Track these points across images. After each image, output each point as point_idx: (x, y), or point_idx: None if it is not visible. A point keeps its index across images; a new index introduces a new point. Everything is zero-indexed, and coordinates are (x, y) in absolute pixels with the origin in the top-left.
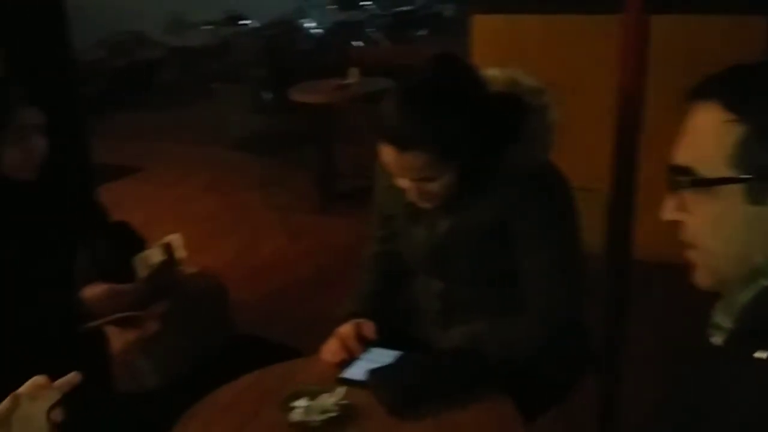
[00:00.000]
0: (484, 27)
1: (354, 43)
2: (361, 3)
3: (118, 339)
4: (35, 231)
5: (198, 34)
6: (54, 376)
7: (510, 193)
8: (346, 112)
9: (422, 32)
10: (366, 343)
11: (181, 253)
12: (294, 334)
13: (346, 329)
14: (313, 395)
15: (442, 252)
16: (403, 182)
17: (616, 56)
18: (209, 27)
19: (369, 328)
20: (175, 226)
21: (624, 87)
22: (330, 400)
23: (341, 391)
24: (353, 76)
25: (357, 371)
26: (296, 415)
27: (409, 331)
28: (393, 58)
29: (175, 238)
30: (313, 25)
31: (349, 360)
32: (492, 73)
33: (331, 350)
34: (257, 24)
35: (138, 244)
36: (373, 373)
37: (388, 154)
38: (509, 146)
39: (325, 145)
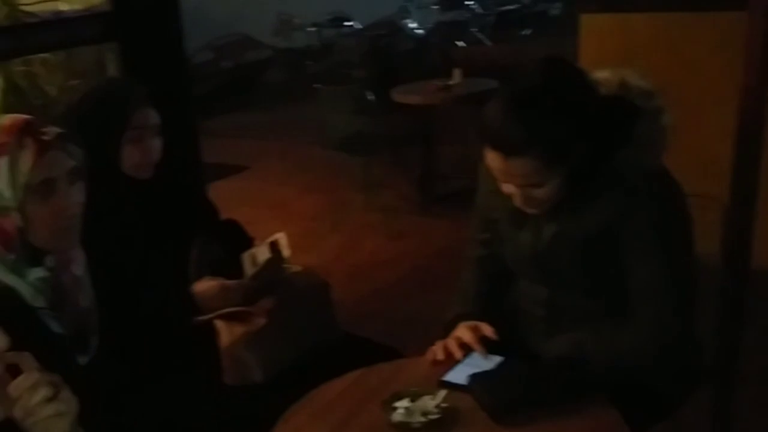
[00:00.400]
0: (593, 26)
1: (457, 44)
2: (465, 2)
3: (226, 333)
4: (152, 227)
5: (303, 36)
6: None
7: (619, 199)
8: (449, 113)
9: (527, 32)
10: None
11: (286, 251)
12: (393, 335)
13: (464, 331)
14: (414, 397)
15: (547, 258)
16: (508, 188)
17: (732, 56)
18: (314, 29)
19: (488, 329)
20: (278, 224)
21: (749, 88)
22: (431, 402)
23: (443, 394)
24: (456, 77)
25: (459, 375)
26: (398, 416)
27: (510, 336)
28: (497, 59)
29: (281, 237)
30: (416, 25)
31: (450, 363)
32: (602, 75)
33: (448, 350)
34: (360, 25)
35: (246, 241)
36: (476, 377)
37: (493, 159)
38: (619, 151)
39: (427, 146)
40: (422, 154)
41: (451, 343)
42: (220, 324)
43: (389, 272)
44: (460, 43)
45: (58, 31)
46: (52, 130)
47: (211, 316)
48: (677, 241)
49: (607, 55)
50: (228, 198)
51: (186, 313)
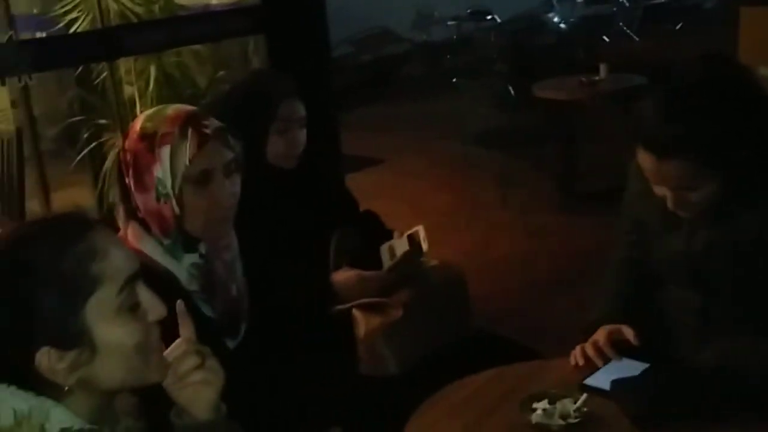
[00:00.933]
0: (753, 20)
1: (603, 39)
2: None
3: (363, 324)
4: (294, 217)
5: (442, 30)
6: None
7: None
8: (593, 109)
9: (677, 26)
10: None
11: (425, 244)
12: (528, 335)
13: (603, 335)
14: (553, 399)
15: (700, 263)
16: (661, 190)
17: None
18: (454, 22)
19: (630, 333)
20: (412, 218)
21: None
22: (572, 405)
23: (584, 398)
24: (602, 72)
25: (601, 379)
26: (536, 417)
27: (653, 342)
28: (645, 54)
29: (419, 230)
30: (558, 19)
31: (591, 367)
32: (765, 72)
33: (587, 354)
34: (500, 19)
35: (384, 233)
36: (619, 383)
37: (645, 160)
38: None
39: (568, 143)
40: (563, 151)
41: (590, 349)
42: (357, 314)
43: (525, 271)
44: (605, 38)
45: (210, 24)
46: (213, 123)
47: (348, 305)
48: None
49: None
50: (363, 190)
51: (325, 302)
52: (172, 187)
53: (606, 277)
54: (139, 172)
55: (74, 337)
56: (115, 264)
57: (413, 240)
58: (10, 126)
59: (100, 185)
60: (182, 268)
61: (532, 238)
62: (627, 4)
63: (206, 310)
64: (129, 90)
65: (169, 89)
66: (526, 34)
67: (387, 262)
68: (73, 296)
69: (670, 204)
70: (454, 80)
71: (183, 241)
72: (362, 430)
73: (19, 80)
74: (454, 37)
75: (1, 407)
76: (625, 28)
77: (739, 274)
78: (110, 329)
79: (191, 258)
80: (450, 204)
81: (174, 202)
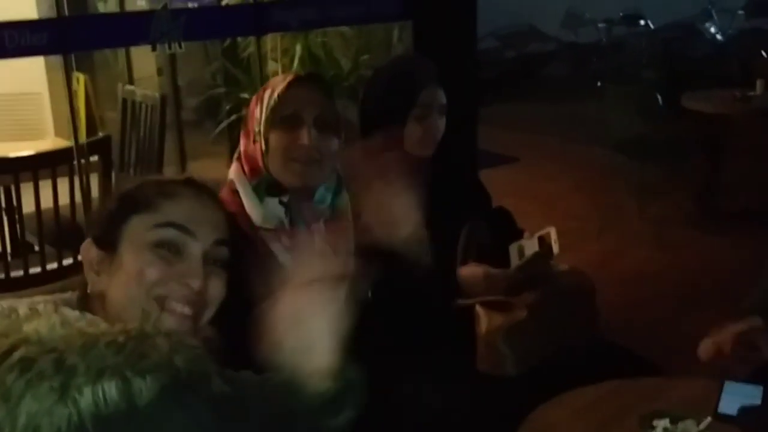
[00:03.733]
0: None
1: (763, 54)
2: None
3: (485, 321)
4: (426, 205)
5: (593, 31)
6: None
7: None
8: (744, 125)
9: None
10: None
11: (555, 247)
12: (651, 351)
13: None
14: (675, 419)
15: None
16: None
17: None
18: (604, 25)
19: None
20: (542, 220)
21: None
22: (695, 428)
23: (708, 421)
24: (759, 88)
25: (729, 405)
26: None
27: None
28: None
29: (551, 232)
30: (716, 30)
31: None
32: None
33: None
34: (654, 25)
35: (515, 232)
36: (751, 411)
37: None
38: None
39: (714, 158)
40: (707, 167)
41: (725, 338)
42: (480, 310)
43: (654, 284)
44: (764, 54)
45: (360, 6)
46: (312, 72)
47: (472, 301)
48: None
49: None
50: (495, 187)
51: (449, 294)
52: (264, 124)
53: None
54: (247, 118)
55: (107, 241)
56: (184, 209)
57: (544, 242)
58: (155, 92)
59: None
60: (261, 207)
61: (667, 252)
62: None
63: (279, 252)
64: (273, 66)
65: (312, 68)
66: (680, 43)
67: (515, 261)
68: (124, 207)
69: None
70: (599, 84)
71: (267, 182)
72: (474, 427)
73: (169, 47)
74: (603, 39)
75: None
76: None
77: None
78: (132, 256)
79: (272, 201)
80: (583, 209)
81: (262, 140)
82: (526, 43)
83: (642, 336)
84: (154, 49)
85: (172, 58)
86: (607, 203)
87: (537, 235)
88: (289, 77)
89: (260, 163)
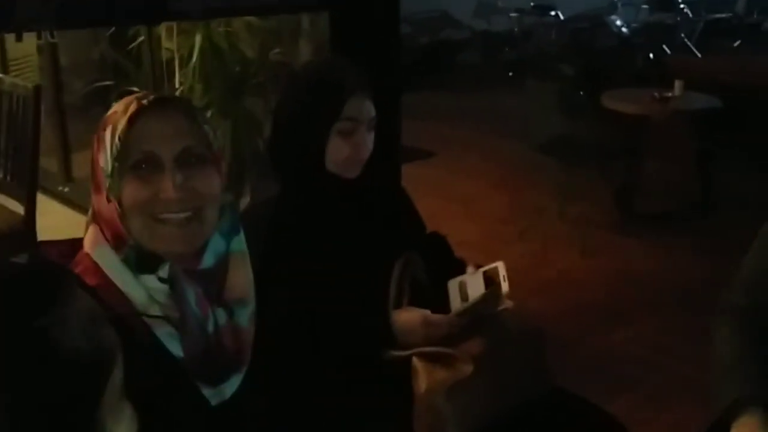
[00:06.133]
0: None
1: (664, 49)
2: (677, 4)
3: (424, 377)
4: (352, 237)
5: (504, 20)
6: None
7: None
8: (663, 126)
9: (736, 44)
10: None
11: (504, 285)
12: (576, 371)
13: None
14: None
15: None
16: None
17: None
18: (516, 14)
19: None
20: (463, 222)
21: None
22: None
23: None
24: (678, 90)
25: None
26: None
27: None
28: (715, 72)
29: (498, 267)
30: (621, 23)
31: None
32: None
33: None
34: (564, 16)
35: (453, 263)
36: None
37: None
38: None
39: (633, 159)
40: (627, 167)
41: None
42: (418, 364)
43: (580, 294)
44: (666, 49)
45: None
46: (159, 96)
47: (409, 352)
48: None
49: None
50: (411, 185)
51: (381, 345)
52: (111, 176)
53: (724, 333)
54: (93, 167)
55: None
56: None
57: (490, 279)
58: (34, 75)
59: None
60: (140, 286)
61: (589, 257)
62: (690, 15)
63: (173, 347)
64: (167, 55)
65: (215, 62)
66: (587, 34)
67: (456, 301)
68: None
69: None
70: (510, 74)
71: (136, 253)
72: None
73: (39, 37)
74: (516, 29)
75: None
76: (685, 39)
77: None
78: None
79: (149, 279)
80: (503, 210)
81: (113, 197)
82: (439, 30)
83: (564, 354)
84: (19, 38)
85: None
86: (528, 204)
87: (481, 270)
88: (131, 107)
89: (121, 229)
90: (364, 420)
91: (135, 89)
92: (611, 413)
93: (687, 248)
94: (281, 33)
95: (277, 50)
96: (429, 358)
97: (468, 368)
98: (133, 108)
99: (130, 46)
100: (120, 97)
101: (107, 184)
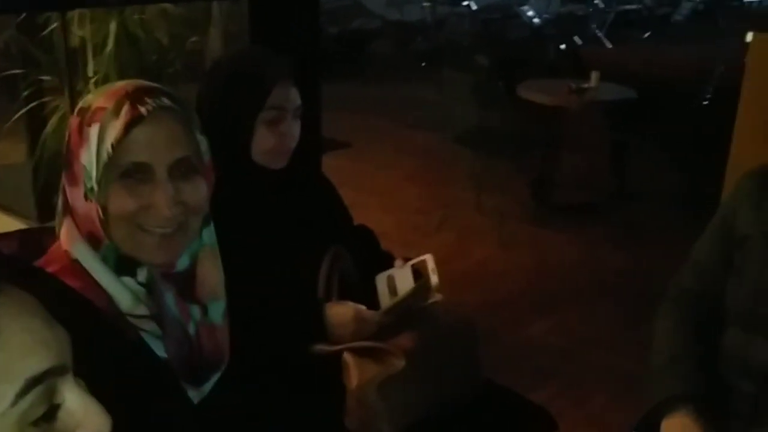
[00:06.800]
0: (765, 47)
1: (575, 39)
2: None
3: (356, 372)
4: (281, 229)
5: (416, 10)
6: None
7: None
8: (578, 117)
9: (646, 35)
10: None
11: (434, 278)
12: (500, 366)
13: None
14: None
15: None
16: None
17: None
18: (428, 4)
19: None
20: (381, 213)
21: None
22: None
23: None
24: (593, 81)
25: None
26: None
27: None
28: (626, 63)
29: (427, 260)
30: (533, 14)
31: None
32: None
33: None
34: (476, 6)
35: (381, 257)
36: None
37: None
38: None
39: (549, 150)
40: (543, 159)
41: None
42: (349, 359)
43: (500, 286)
44: (578, 40)
45: None
46: (161, 101)
47: (341, 347)
48: None
49: None
50: (327, 176)
51: (311, 340)
52: (98, 181)
53: (665, 323)
54: (69, 157)
55: None
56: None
57: (419, 272)
58: None
59: (37, 155)
60: (124, 287)
61: (507, 249)
62: (601, 6)
63: (157, 348)
64: (80, 43)
65: (130, 51)
66: (499, 25)
67: (385, 295)
68: None
69: None
70: (423, 64)
71: (115, 255)
72: None
73: None
74: (428, 19)
75: None
76: (597, 31)
77: None
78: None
79: (129, 282)
80: (421, 202)
81: (96, 201)
82: (351, 19)
83: (486, 346)
84: None
85: None
86: (446, 195)
87: (410, 264)
88: (125, 111)
89: (100, 230)
90: (295, 416)
91: (47, 77)
92: (540, 404)
93: (603, 238)
94: (198, 21)
95: (194, 39)
96: (360, 353)
97: (400, 363)
98: (128, 114)
99: (42, 33)
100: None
101: (89, 186)
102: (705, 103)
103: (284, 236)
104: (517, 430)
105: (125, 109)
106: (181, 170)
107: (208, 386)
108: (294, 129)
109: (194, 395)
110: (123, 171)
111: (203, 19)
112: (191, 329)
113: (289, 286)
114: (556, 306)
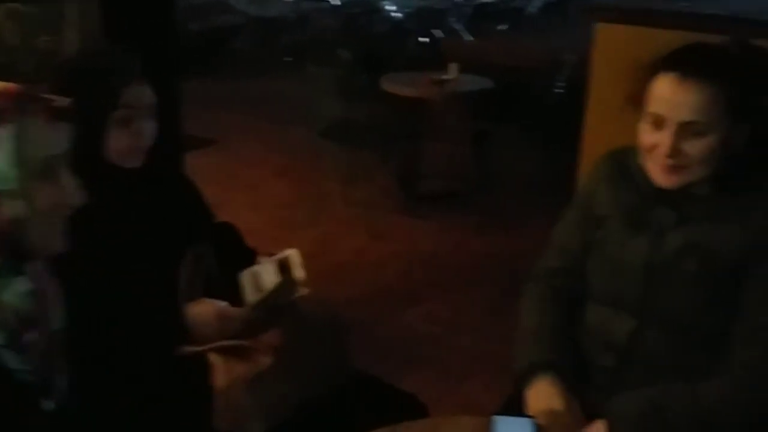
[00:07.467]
0: (608, 37)
1: (434, 33)
2: None
3: (223, 371)
4: (139, 230)
5: (279, 6)
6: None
7: (765, 222)
8: (440, 109)
9: (502, 27)
10: None
11: (299, 272)
12: (375, 356)
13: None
14: None
15: (662, 275)
16: (657, 136)
17: None
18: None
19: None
20: (249, 210)
21: None
22: None
23: None
24: (452, 72)
25: None
26: None
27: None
28: (484, 54)
29: (292, 254)
30: (394, 8)
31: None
32: None
33: None
34: (339, 1)
35: (246, 254)
36: None
37: (663, 86)
38: None
39: (413, 141)
40: (407, 150)
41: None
42: (215, 359)
43: (373, 276)
44: (439, 33)
45: None
46: (61, 99)
47: (205, 347)
48: None
49: (623, 67)
50: (192, 174)
51: (175, 341)
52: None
53: (529, 299)
54: None
55: None
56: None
57: (284, 267)
58: None
59: None
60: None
61: (377, 239)
62: (459, 0)
63: (12, 362)
64: None
65: None
66: (362, 19)
67: (250, 292)
68: None
69: (660, 152)
70: (288, 59)
71: (14, 259)
72: None
73: None
74: (291, 14)
75: None
76: (456, 24)
77: (703, 293)
78: None
79: (21, 283)
80: (290, 196)
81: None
82: (213, 16)
83: (361, 338)
84: None
85: None
86: (314, 189)
87: (275, 259)
88: (43, 114)
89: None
90: (161, 419)
91: None
92: (411, 393)
93: (469, 226)
94: (50, 21)
95: (45, 38)
96: (227, 352)
97: (267, 360)
98: (47, 115)
99: None
100: None
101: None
102: (558, 91)
103: (142, 237)
104: (387, 419)
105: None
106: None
107: (60, 395)
108: (148, 128)
109: (47, 405)
110: (40, 167)
111: (56, 18)
112: (41, 337)
113: (149, 288)
114: (425, 294)
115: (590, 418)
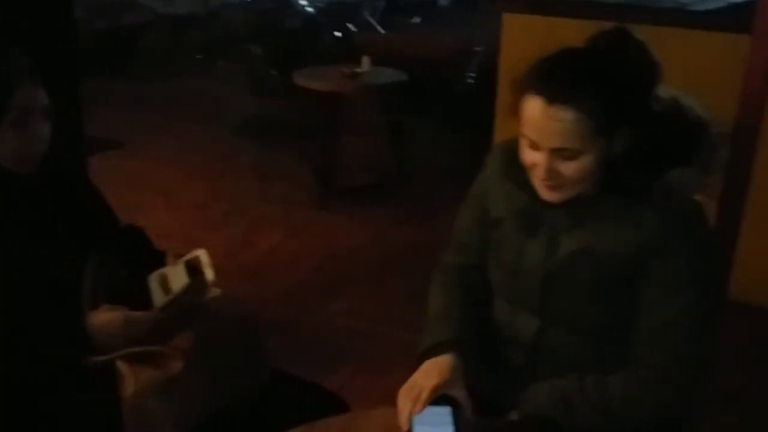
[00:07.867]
0: (515, 26)
1: (348, 27)
2: None
3: (130, 379)
4: (35, 237)
5: (187, 2)
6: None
7: (663, 221)
8: (354, 102)
9: (416, 20)
10: None
11: (209, 272)
12: (296, 354)
13: (428, 392)
14: None
15: (557, 279)
16: (533, 156)
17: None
18: None
19: (463, 395)
20: (162, 212)
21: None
22: None
23: None
24: (365, 65)
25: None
26: None
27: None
28: (397, 47)
29: (201, 255)
30: (306, 3)
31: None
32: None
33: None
34: None
35: (154, 257)
36: None
37: (532, 108)
38: (673, 169)
39: (329, 136)
40: (323, 144)
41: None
42: (122, 367)
43: (289, 274)
44: (352, 27)
45: None
46: None
47: (111, 356)
48: (709, 284)
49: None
50: (102, 178)
51: (78, 352)
52: None
53: (435, 288)
54: None
55: None
56: None
57: (193, 268)
58: None
59: None
60: None
61: (294, 236)
62: None
63: None
64: None
65: None
66: (274, 14)
67: (159, 296)
68: None
69: (539, 174)
70: (199, 57)
71: None
72: None
73: None
74: (201, 11)
75: None
76: (369, 17)
77: (597, 295)
78: None
79: None
80: (204, 197)
81: None
82: (119, 14)
83: (280, 337)
84: None
85: None
86: (229, 188)
87: (183, 260)
88: None
89: None
90: None
91: None
92: (329, 389)
93: (388, 218)
94: None
95: None
96: (135, 359)
97: (178, 364)
98: None
99: None
100: None
101: None
102: (470, 81)
103: (39, 246)
104: (308, 417)
105: None
106: None
107: None
108: (42, 131)
109: None
110: None
111: None
112: None
113: (47, 298)
114: (346, 288)
115: (503, 408)
